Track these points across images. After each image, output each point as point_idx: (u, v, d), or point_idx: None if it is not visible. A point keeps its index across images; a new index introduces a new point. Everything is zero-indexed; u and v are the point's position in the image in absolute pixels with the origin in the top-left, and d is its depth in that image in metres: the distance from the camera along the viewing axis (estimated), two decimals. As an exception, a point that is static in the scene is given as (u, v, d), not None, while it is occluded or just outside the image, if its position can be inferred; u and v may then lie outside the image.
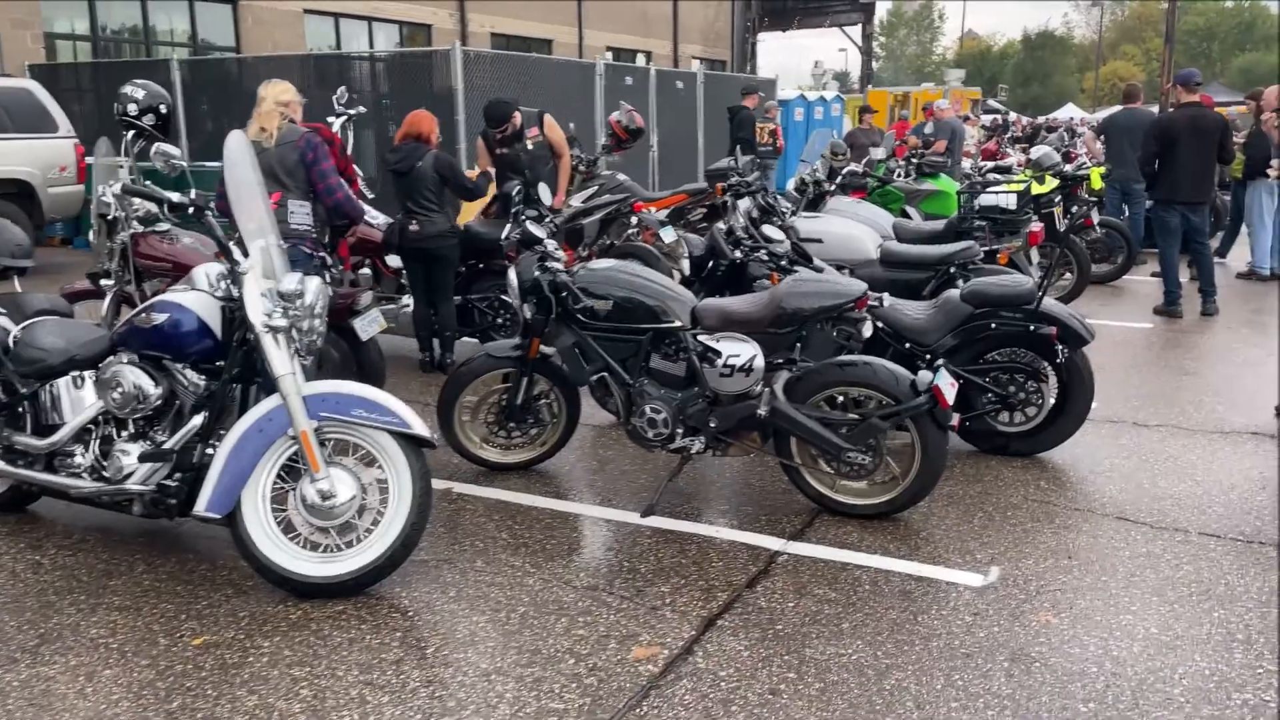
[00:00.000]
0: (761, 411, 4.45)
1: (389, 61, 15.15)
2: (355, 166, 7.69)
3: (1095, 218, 9.53)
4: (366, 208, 7.80)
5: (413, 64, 14.09)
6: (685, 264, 5.47)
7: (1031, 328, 5.13)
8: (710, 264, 5.50)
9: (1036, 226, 7.80)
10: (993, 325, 5.19)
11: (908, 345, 5.32)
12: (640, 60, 27.93)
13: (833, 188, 8.55)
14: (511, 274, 4.81)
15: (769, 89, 20.25)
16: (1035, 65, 66.77)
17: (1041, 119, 35.85)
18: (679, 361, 4.65)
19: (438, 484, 4.95)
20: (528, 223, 4.74)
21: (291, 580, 3.74)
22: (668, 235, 8.64)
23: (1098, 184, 9.56)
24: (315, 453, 3.69)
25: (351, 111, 7.96)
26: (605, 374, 4.72)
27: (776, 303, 4.40)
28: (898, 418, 4.38)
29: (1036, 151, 9.03)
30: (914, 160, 9.68)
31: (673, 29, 30.50)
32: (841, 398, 4.58)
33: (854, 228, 6.89)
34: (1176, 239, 8.96)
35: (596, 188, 9.51)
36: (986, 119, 29.73)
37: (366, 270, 7.61)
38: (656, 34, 30.13)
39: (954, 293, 5.32)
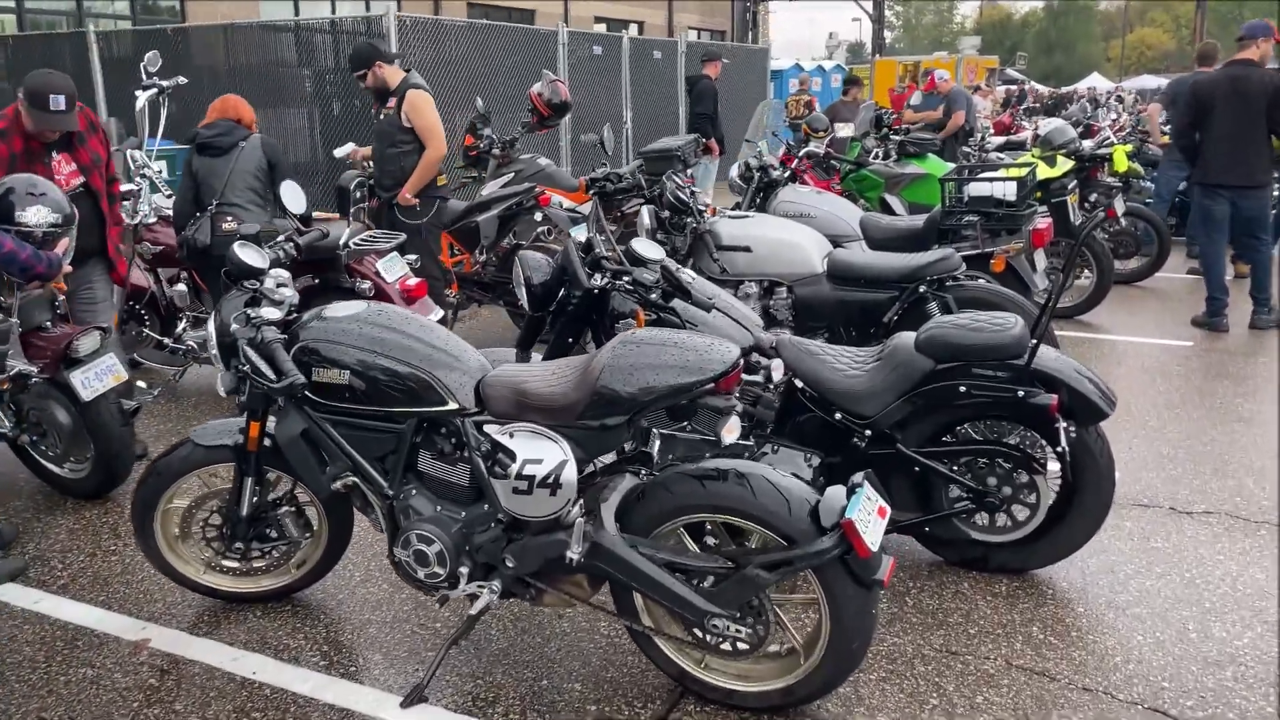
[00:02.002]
0: (573, 553, 2.78)
1: (323, 31, 13.44)
2: (138, 156, 6.01)
3: (1120, 206, 7.75)
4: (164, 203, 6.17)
5: (353, 35, 12.37)
6: (521, 293, 3.80)
7: (1020, 393, 3.43)
8: (562, 294, 3.84)
9: (1043, 223, 6.05)
10: (962, 388, 3.49)
11: (839, 415, 3.63)
12: (633, 30, 26.07)
13: (787, 174, 6.82)
14: (210, 324, 3.15)
15: (759, 58, 18.43)
16: (1059, 33, 64.17)
17: (1065, 89, 33.74)
18: (459, 464, 2.98)
19: (130, 629, 3.32)
20: (236, 247, 3.07)
21: None
22: (581, 235, 6.94)
23: (1122, 165, 7.77)
24: None
25: (165, 84, 6.28)
26: (355, 479, 3.07)
27: (591, 381, 2.72)
28: (789, 569, 2.69)
29: (1046, 126, 7.30)
30: (896, 137, 7.91)
31: (667, -4, 28.61)
32: (712, 524, 2.91)
33: (794, 231, 5.18)
34: (1220, 232, 7.19)
35: (512, 174, 7.83)
36: (1002, 89, 27.74)
37: (182, 286, 5.96)
38: (649, 1, 28.23)
39: (906, 338, 3.62)
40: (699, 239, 5.14)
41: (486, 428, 2.88)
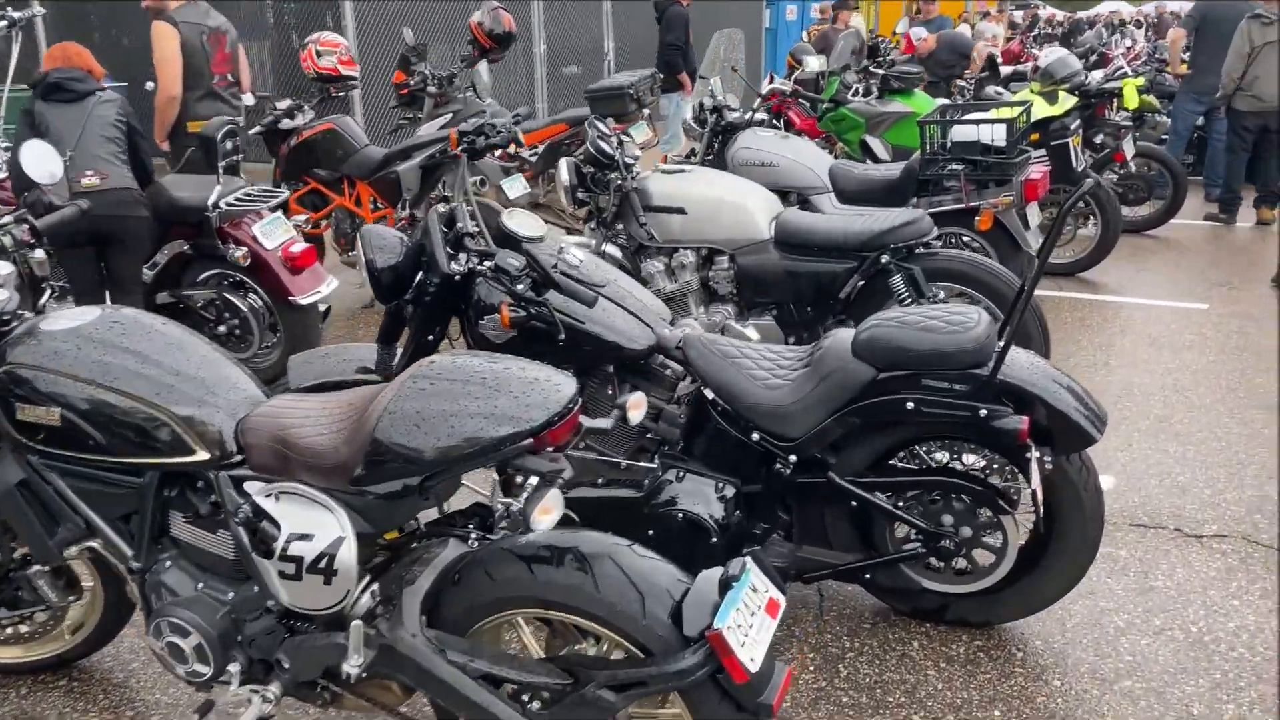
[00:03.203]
0: (351, 666, 2.05)
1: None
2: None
3: (1129, 149, 6.87)
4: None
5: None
6: (364, 277, 3.02)
7: (982, 412, 2.66)
8: (420, 278, 3.06)
9: (1037, 172, 5.22)
10: (909, 404, 2.72)
11: (757, 437, 2.87)
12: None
13: (751, 116, 5.97)
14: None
15: (753, -19, 17.27)
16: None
17: (1084, 13, 32.16)
18: (221, 531, 2.24)
19: None
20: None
21: None
22: (513, 188, 6.13)
23: (1133, 100, 6.86)
24: None
25: (17, 15, 5.43)
26: (91, 545, 2.34)
27: (367, 433, 1.96)
28: (641, 690, 1.96)
29: (1048, 57, 6.41)
30: (877, 70, 7.00)
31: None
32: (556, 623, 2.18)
33: (736, 189, 4.37)
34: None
35: (450, 115, 7.00)
36: (1020, 14, 26.40)
37: (40, 253, 5.17)
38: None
39: (841, 339, 2.85)
40: (626, 198, 4.34)
41: (248, 485, 2.13)
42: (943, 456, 3.00)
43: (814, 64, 6.46)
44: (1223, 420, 4.45)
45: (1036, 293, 6.37)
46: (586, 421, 2.15)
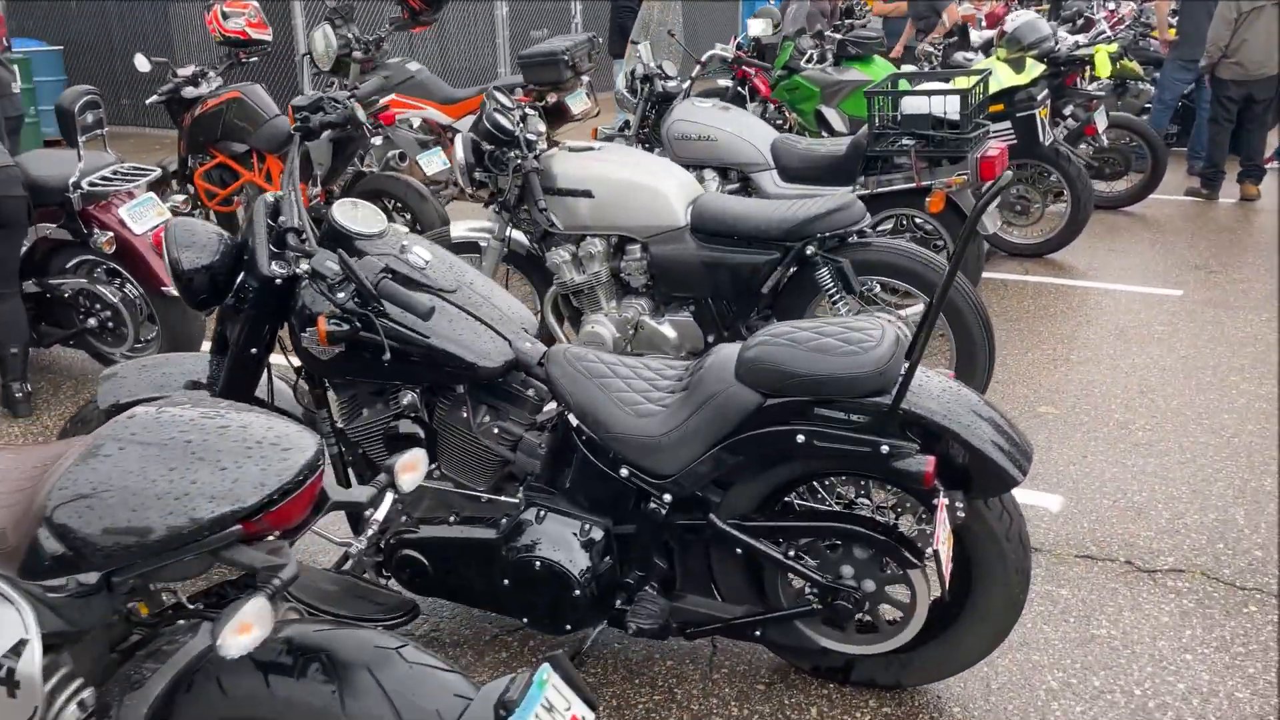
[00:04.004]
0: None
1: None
2: None
3: (1101, 122, 6.39)
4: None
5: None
6: (168, 279, 2.56)
7: (884, 449, 2.23)
8: (240, 281, 2.61)
9: (994, 149, 4.75)
10: (800, 437, 2.29)
11: (626, 473, 2.44)
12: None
13: (686, 83, 5.49)
14: None
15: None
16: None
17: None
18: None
19: None
20: None
21: None
22: (431, 164, 5.67)
23: (1104, 69, 6.36)
24: None
25: None
26: None
27: (37, 514, 1.51)
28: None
29: (1014, 20, 5.92)
30: (835, 35, 6.48)
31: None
32: None
33: (648, 170, 3.91)
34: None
35: (381, 80, 6.50)
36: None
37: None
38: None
39: (724, 358, 2.41)
40: (526, 180, 3.87)
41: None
42: (849, 492, 2.57)
43: (757, 27, 5.97)
44: (1190, 428, 4.03)
45: (993, 276, 5.94)
46: (336, 494, 1.71)
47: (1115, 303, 5.53)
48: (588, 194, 3.86)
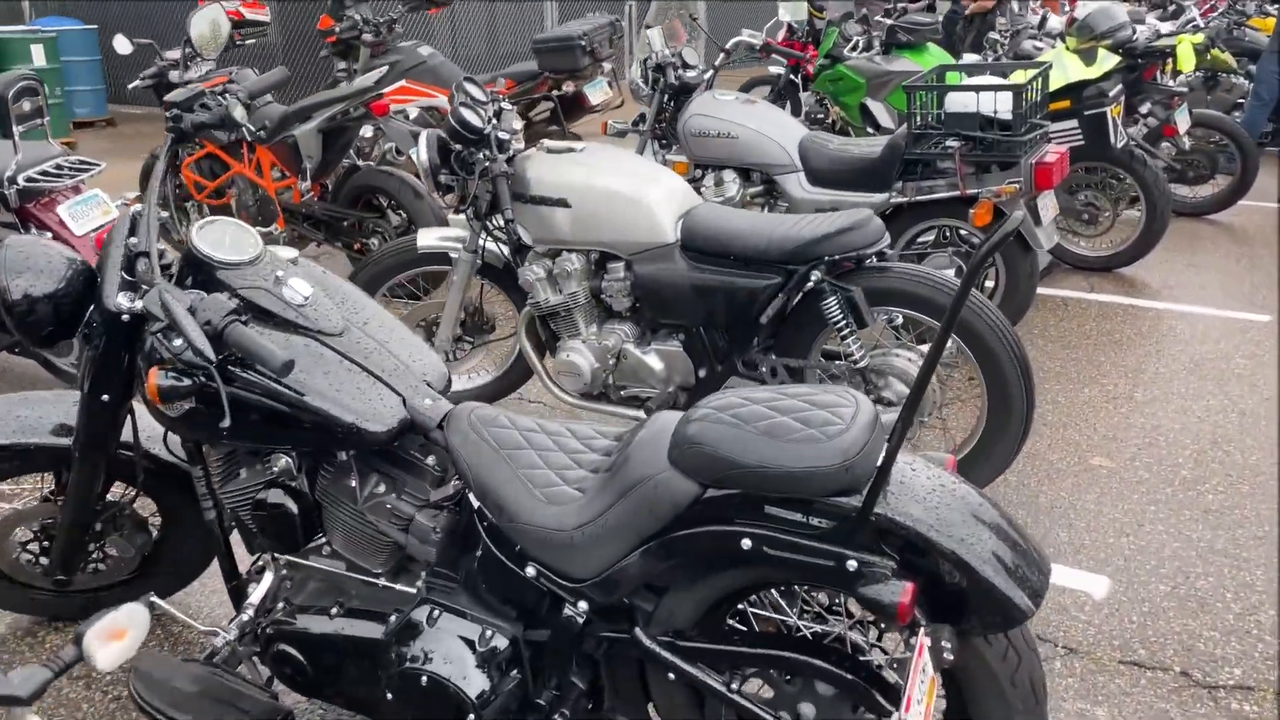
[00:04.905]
0: None
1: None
2: None
3: (1183, 122, 5.70)
4: None
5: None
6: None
7: (850, 565, 1.69)
8: (90, 312, 2.15)
9: (1052, 154, 4.15)
10: (746, 542, 1.77)
11: (534, 572, 1.95)
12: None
13: (709, 73, 4.94)
14: None
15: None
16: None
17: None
18: None
19: None
20: None
21: None
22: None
23: (1188, 63, 5.64)
24: None
25: None
26: None
27: None
28: None
29: (1086, 6, 5.26)
30: (885, 20, 5.84)
31: None
32: None
33: (633, 176, 3.38)
34: None
35: (387, 67, 6.07)
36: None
37: None
38: None
39: (658, 430, 1.90)
40: (494, 185, 3.38)
41: None
42: (821, 599, 2.04)
43: (788, 11, 5.38)
44: (1272, 491, 3.40)
45: (1052, 292, 5.29)
46: None
47: (1191, 328, 4.87)
48: (564, 203, 3.36)
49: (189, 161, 5.49)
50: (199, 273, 2.09)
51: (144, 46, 5.37)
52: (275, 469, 2.16)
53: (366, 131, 5.10)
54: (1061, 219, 5.56)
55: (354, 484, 2.14)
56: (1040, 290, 5.34)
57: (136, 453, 2.39)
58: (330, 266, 5.32)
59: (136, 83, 5.32)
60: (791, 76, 6.74)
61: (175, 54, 5.35)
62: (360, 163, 5.28)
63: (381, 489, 2.15)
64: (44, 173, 3.85)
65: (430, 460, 2.14)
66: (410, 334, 2.27)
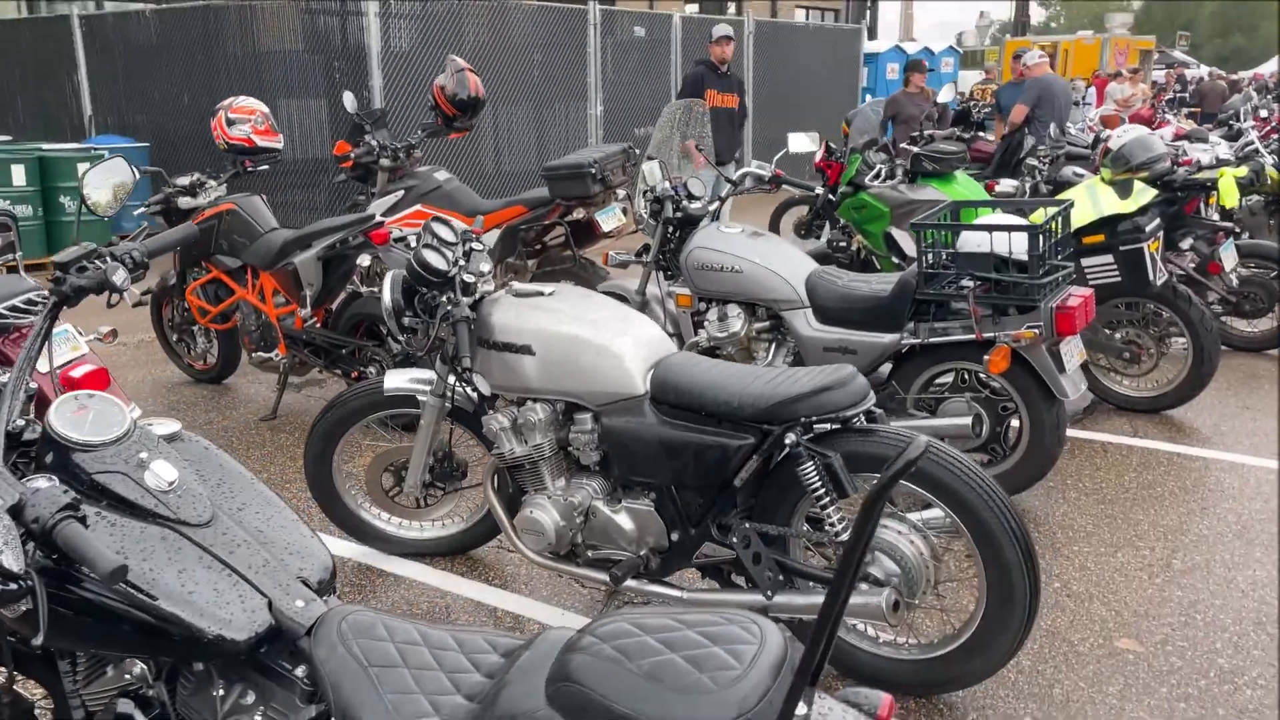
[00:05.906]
0: None
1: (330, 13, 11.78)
2: None
3: (1229, 259, 5.35)
4: None
5: (321, 14, 10.71)
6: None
7: None
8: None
9: (1076, 297, 3.85)
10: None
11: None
12: (730, 10, 23.87)
13: (714, 204, 4.74)
14: None
15: (850, 40, 16.08)
16: (1240, 12, 58.13)
17: (1242, 74, 29.48)
18: None
19: None
20: None
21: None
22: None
23: (1230, 199, 5.28)
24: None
25: None
26: None
27: None
28: None
29: (1121, 137, 4.99)
30: (911, 148, 5.64)
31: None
32: None
33: (601, 322, 3.14)
34: None
35: (401, 192, 6.04)
36: (1160, 74, 24.30)
37: None
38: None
39: (548, 648, 1.61)
40: (456, 330, 3.17)
41: None
42: None
43: (800, 143, 5.20)
44: (1323, 688, 2.98)
45: (1090, 436, 4.91)
46: None
47: (1242, 483, 4.45)
48: (528, 350, 3.13)
49: (193, 287, 5.43)
50: (57, 453, 1.88)
51: (150, 174, 5.35)
52: (131, 674, 1.92)
53: (364, 260, 4.98)
54: (1102, 358, 5.22)
55: (219, 693, 1.88)
56: (1078, 433, 4.98)
57: (1, 633, 2.16)
58: (330, 393, 5.06)
59: (142, 209, 5.29)
60: (830, 196, 6.55)
61: (184, 180, 5.32)
62: (362, 289, 5.15)
63: (249, 699, 1.88)
64: (12, 308, 3.74)
65: (299, 671, 1.88)
66: (294, 520, 2.03)
